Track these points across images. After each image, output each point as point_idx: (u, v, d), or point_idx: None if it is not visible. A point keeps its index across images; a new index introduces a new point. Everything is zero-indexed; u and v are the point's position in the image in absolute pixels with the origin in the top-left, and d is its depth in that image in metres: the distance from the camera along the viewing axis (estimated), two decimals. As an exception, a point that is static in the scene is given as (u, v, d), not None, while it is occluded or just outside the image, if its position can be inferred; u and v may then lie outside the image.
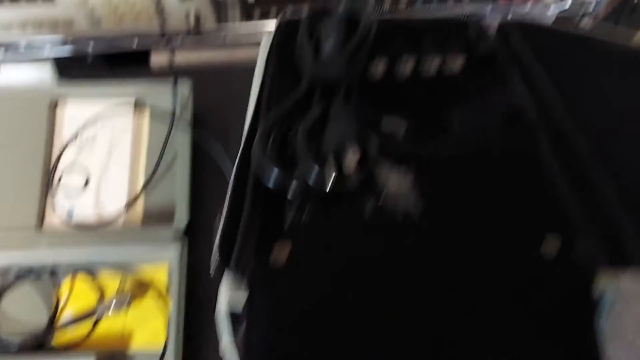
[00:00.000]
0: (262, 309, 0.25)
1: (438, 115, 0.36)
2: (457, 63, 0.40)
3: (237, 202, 0.29)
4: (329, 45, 0.39)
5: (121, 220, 0.47)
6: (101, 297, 0.44)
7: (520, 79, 0.37)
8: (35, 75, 0.52)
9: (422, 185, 0.31)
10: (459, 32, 0.42)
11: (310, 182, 0.29)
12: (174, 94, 0.47)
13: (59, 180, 0.48)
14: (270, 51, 0.41)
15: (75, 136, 0.48)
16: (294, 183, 0.29)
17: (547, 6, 0.77)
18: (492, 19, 0.45)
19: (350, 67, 0.36)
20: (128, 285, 0.45)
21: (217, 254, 0.27)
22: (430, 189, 0.31)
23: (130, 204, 0.47)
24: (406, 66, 0.39)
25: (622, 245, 0.27)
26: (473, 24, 0.43)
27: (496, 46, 0.40)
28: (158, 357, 0.41)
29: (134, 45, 0.66)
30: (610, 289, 0.26)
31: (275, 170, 0.29)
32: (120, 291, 0.44)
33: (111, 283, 0.45)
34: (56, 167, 0.48)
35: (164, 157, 0.49)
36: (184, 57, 0.86)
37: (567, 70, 0.40)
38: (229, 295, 0.27)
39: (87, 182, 0.48)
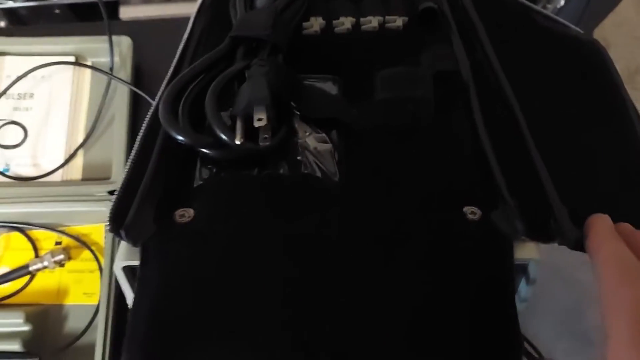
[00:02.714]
0: (155, 270, 0.25)
1: (369, 77, 0.35)
2: (397, 23, 0.39)
3: (142, 161, 0.28)
4: (262, -2, 0.38)
5: (59, 176, 0.46)
6: (36, 254, 0.44)
7: (459, 40, 0.36)
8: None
9: (342, 152, 0.30)
10: None
11: (218, 144, 0.28)
12: (111, 51, 0.46)
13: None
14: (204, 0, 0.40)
15: (10, 87, 0.47)
16: (202, 145, 0.29)
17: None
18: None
19: (278, 23, 0.34)
20: (64, 243, 0.45)
21: (109, 222, 0.25)
22: (351, 157, 0.30)
23: (69, 159, 0.46)
24: (343, 26, 0.38)
25: (545, 219, 0.27)
26: None
27: (439, 4, 0.39)
28: (92, 313, 0.42)
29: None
30: (532, 259, 0.26)
31: (182, 129, 0.28)
32: (55, 248, 0.44)
33: (47, 241, 0.45)
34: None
35: (105, 113, 0.48)
36: (152, 10, 0.84)
37: (508, 38, 0.39)
38: (126, 250, 0.26)
39: (25, 137, 0.47)
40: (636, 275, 0.22)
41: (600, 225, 0.25)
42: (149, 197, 0.27)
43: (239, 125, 0.28)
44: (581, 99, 0.35)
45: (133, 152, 0.29)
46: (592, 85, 0.38)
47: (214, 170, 0.29)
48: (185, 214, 0.27)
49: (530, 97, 0.35)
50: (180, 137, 0.28)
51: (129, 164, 0.28)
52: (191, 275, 0.25)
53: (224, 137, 0.28)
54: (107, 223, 0.26)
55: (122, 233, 0.25)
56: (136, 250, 0.26)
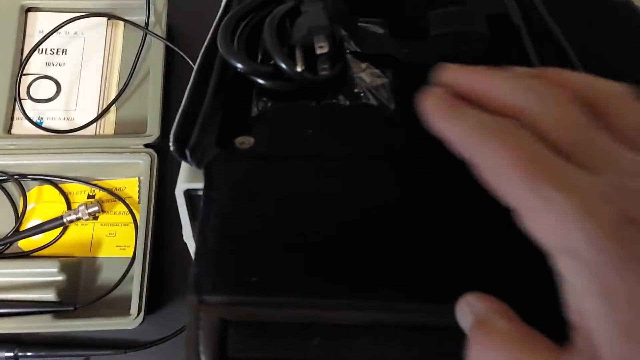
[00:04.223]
0: (221, 190, 0.25)
1: (419, 18, 0.34)
2: None
3: (200, 90, 0.28)
4: None
5: (93, 130, 0.46)
6: (68, 207, 0.44)
7: None
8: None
9: (398, 85, 0.30)
10: None
11: (275, 75, 0.28)
12: (148, 6, 0.46)
13: (29, 86, 0.46)
14: None
15: (44, 40, 0.46)
16: (260, 73, 0.28)
17: None
18: None
19: None
20: (97, 197, 0.44)
21: (173, 143, 0.25)
22: (407, 89, 0.30)
23: (102, 113, 0.46)
24: None
25: None
26: None
27: None
28: (125, 266, 0.41)
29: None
30: None
31: (241, 57, 0.28)
32: (89, 201, 0.44)
33: (79, 194, 0.44)
34: (22, 71, 0.46)
35: (138, 69, 0.48)
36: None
37: None
38: (188, 173, 0.26)
39: (57, 92, 0.47)
40: None
41: None
42: (210, 123, 0.27)
43: (298, 54, 0.28)
44: (620, 45, 0.35)
45: (189, 85, 0.29)
46: (628, 34, 0.38)
47: (272, 101, 0.29)
48: (245, 142, 0.27)
49: (575, 42, 0.35)
50: (239, 65, 0.28)
51: (185, 95, 0.28)
52: (258, 193, 0.25)
53: (283, 65, 0.28)
54: (171, 144, 0.25)
55: (187, 153, 0.25)
56: (198, 173, 0.26)
